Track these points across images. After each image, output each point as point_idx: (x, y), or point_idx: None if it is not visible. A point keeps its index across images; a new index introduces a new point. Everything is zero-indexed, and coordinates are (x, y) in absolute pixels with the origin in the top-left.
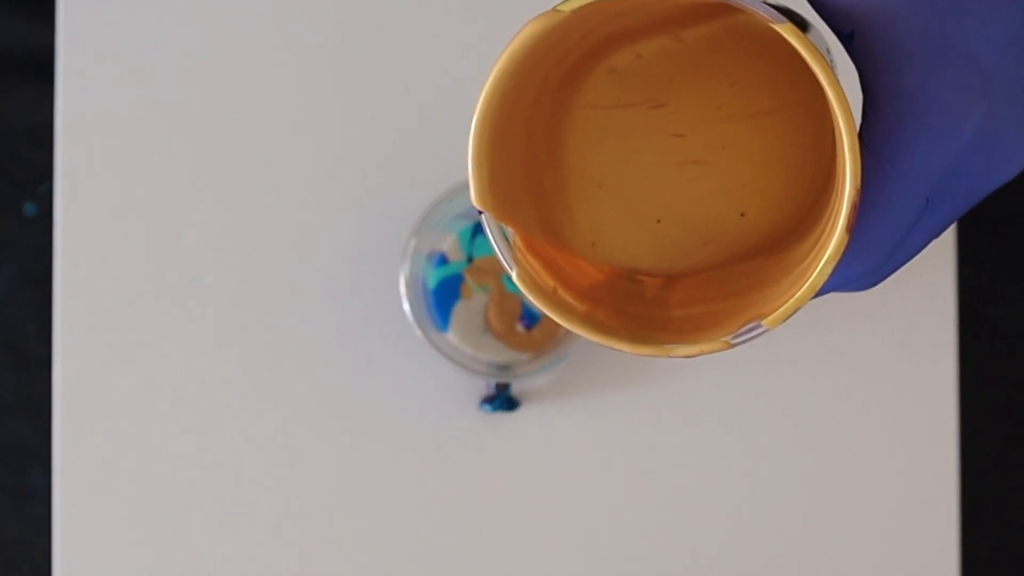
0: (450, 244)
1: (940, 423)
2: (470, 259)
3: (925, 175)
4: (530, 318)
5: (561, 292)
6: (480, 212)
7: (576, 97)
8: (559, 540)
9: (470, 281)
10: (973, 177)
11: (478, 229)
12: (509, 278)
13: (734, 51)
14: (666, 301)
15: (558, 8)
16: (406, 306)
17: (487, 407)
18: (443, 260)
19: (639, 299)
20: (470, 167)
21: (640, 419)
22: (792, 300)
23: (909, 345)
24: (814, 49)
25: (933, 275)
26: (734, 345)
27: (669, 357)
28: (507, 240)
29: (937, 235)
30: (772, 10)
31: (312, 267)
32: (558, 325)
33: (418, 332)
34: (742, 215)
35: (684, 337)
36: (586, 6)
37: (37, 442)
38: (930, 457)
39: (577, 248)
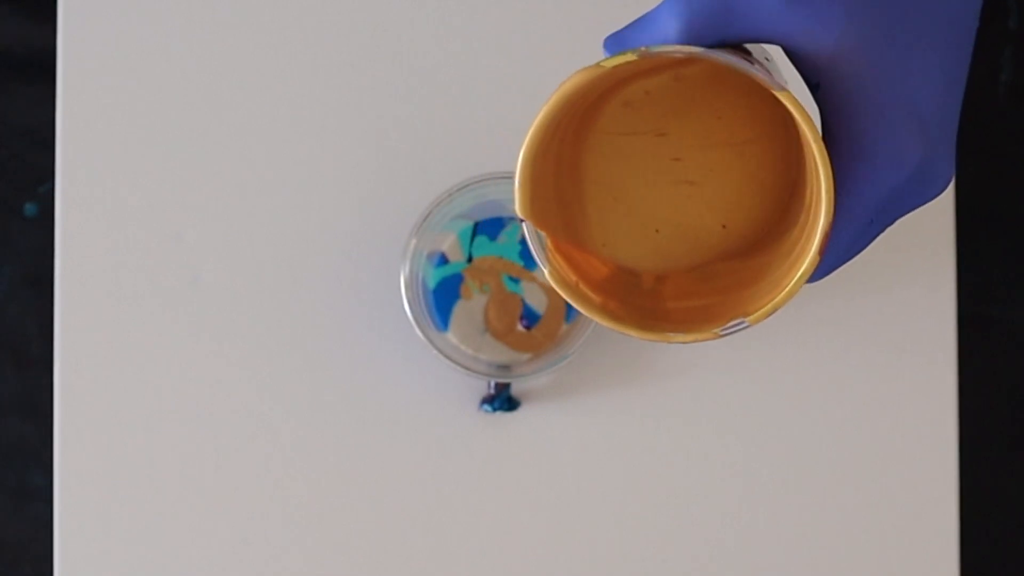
0: (450, 244)
1: (940, 423)
2: (470, 259)
3: (872, 202)
4: (530, 318)
5: (582, 286)
6: (521, 220)
7: (596, 124)
8: (559, 540)
9: (470, 281)
10: (907, 201)
11: (478, 229)
12: (510, 277)
13: (722, 89)
14: (661, 293)
15: (601, 64)
16: (406, 306)
17: (487, 407)
18: (443, 260)
19: (638, 291)
20: (517, 186)
21: (640, 419)
22: (772, 303)
23: (909, 345)
24: (809, 120)
25: (933, 275)
26: (722, 335)
27: (669, 343)
28: (542, 243)
29: (871, 241)
30: (768, 75)
31: (312, 267)
32: (558, 325)
33: (418, 332)
34: (724, 227)
35: (681, 327)
36: (624, 64)
37: (37, 442)
38: (930, 457)
39: (590, 247)
